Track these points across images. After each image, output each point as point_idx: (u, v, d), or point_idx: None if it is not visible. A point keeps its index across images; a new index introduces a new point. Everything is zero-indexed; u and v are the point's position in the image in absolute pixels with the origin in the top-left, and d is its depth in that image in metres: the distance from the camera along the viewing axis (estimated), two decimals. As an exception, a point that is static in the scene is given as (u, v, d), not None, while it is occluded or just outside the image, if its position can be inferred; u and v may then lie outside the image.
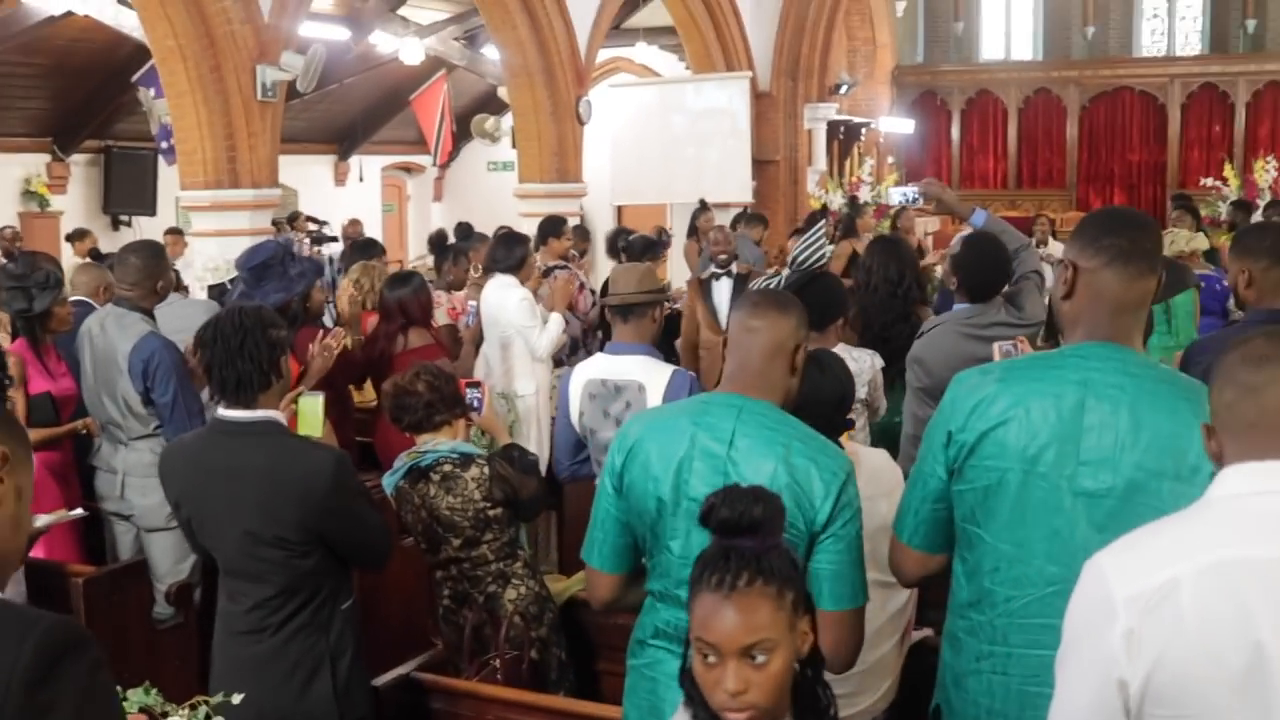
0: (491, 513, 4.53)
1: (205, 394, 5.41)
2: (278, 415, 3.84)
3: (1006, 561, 2.86)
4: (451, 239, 12.21)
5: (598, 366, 5.05)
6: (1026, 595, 2.84)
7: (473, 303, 8.47)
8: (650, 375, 4.85)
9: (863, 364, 5.51)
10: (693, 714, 2.33)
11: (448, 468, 4.56)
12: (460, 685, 4.06)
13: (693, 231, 13.18)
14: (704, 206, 13.67)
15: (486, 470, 4.54)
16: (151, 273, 5.79)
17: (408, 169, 23.25)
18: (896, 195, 6.69)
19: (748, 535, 2.30)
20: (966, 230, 6.09)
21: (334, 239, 9.15)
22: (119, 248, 6.41)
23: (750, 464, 3.02)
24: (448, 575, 4.63)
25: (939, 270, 9.55)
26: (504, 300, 7.82)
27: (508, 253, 8.01)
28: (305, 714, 3.77)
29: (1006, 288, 5.44)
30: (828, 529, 2.97)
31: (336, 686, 3.80)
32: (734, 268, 8.85)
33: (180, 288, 6.80)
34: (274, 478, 3.70)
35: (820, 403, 3.51)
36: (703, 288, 8.92)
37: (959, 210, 5.79)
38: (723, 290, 8.82)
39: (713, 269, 8.92)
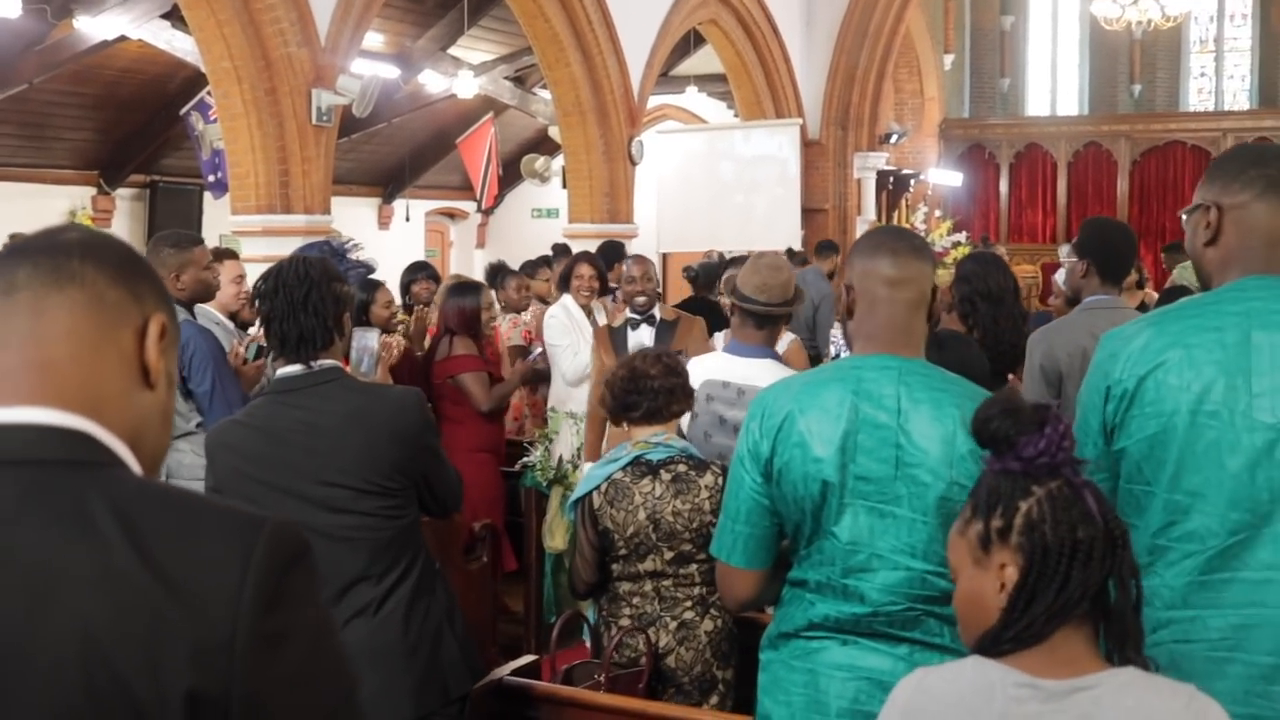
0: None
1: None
2: (338, 363, 3.54)
3: (1181, 513, 2.54)
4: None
5: (718, 366, 4.64)
6: (1207, 548, 2.51)
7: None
8: None
9: None
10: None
11: (681, 468, 4.11)
12: (563, 692, 3.73)
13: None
14: (791, 253, 13.35)
15: (722, 480, 3.99)
16: (164, 263, 5.42)
17: (451, 214, 23.10)
18: None
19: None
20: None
21: None
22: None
23: (925, 432, 2.73)
24: (637, 591, 4.14)
25: None
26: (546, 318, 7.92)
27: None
28: (439, 691, 3.44)
29: None
30: None
31: (460, 647, 3.50)
32: (656, 312, 7.04)
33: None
34: (359, 421, 3.40)
35: (976, 378, 3.20)
36: (614, 339, 7.01)
37: None
38: (642, 340, 6.92)
39: (628, 314, 7.09)
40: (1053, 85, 27.51)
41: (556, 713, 3.67)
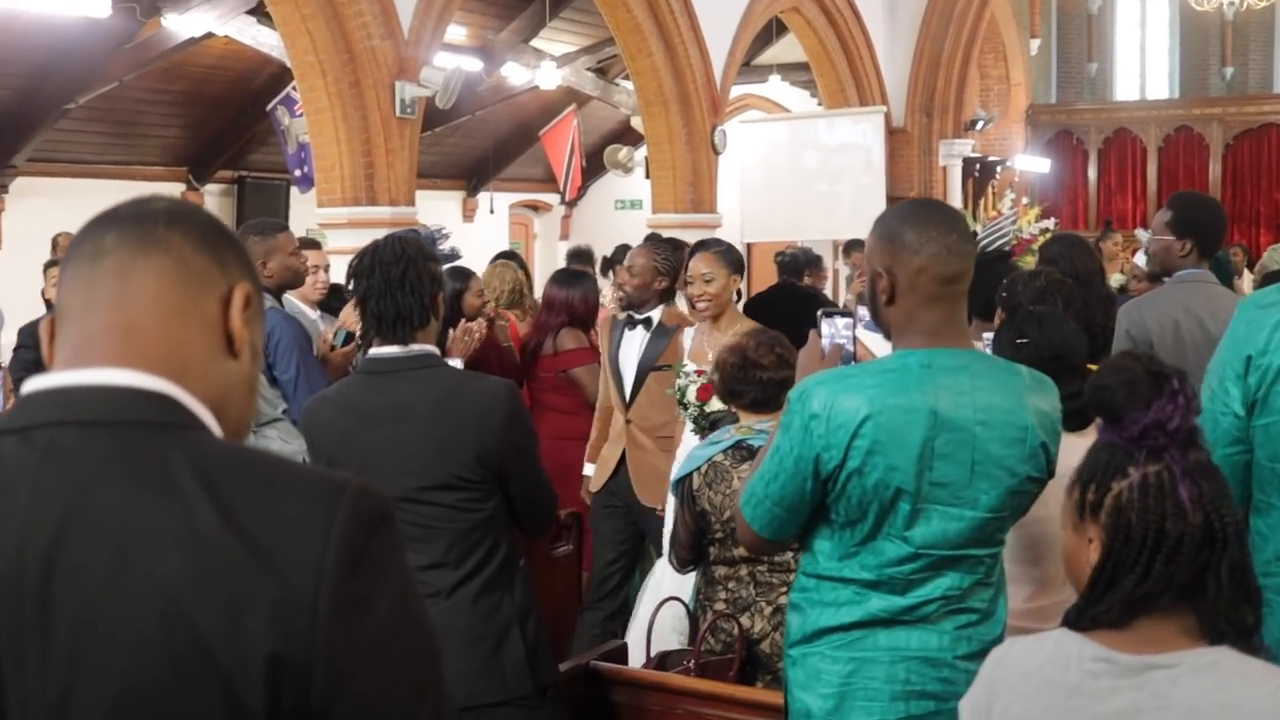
0: None
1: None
2: (434, 349, 3.45)
3: None
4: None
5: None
6: None
7: None
8: None
9: None
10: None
11: None
12: (648, 676, 3.69)
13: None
14: (857, 244, 13.17)
15: None
16: (250, 251, 5.49)
17: (535, 207, 23.16)
18: None
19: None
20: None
21: None
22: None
23: (1001, 430, 2.67)
24: (733, 575, 4.10)
25: None
26: None
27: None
28: (496, 686, 3.33)
29: None
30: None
31: (528, 650, 3.38)
32: (654, 315, 6.15)
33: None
34: (447, 409, 3.32)
35: (1076, 356, 3.15)
36: (612, 333, 6.33)
37: None
38: (631, 344, 6.21)
39: (628, 311, 6.32)
40: (1142, 69, 27.08)
41: (639, 696, 3.64)
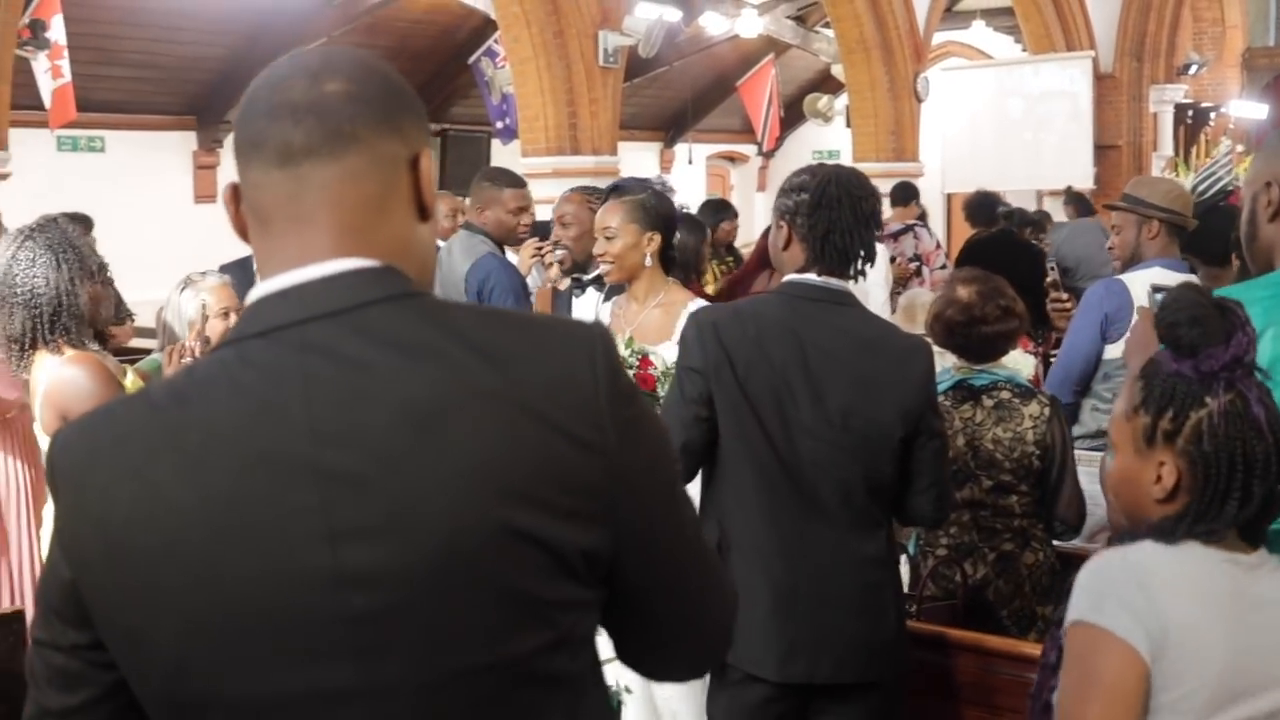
0: (1036, 463, 3.88)
1: None
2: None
3: None
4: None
5: (1161, 275, 4.31)
6: None
7: None
8: None
9: None
10: None
11: (1005, 395, 3.94)
12: (962, 637, 3.53)
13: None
14: (1079, 197, 12.71)
15: (1048, 411, 3.90)
16: (477, 193, 5.76)
17: (732, 158, 23.06)
18: None
19: None
20: None
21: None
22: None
23: None
24: (955, 520, 3.93)
25: None
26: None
27: None
28: (860, 667, 3.15)
29: None
30: None
31: (896, 634, 3.19)
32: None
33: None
34: (869, 351, 3.13)
35: None
36: (556, 304, 5.44)
37: None
38: (584, 313, 4.88)
39: (574, 275, 5.36)
40: (1368, 8, 25.86)
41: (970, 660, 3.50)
